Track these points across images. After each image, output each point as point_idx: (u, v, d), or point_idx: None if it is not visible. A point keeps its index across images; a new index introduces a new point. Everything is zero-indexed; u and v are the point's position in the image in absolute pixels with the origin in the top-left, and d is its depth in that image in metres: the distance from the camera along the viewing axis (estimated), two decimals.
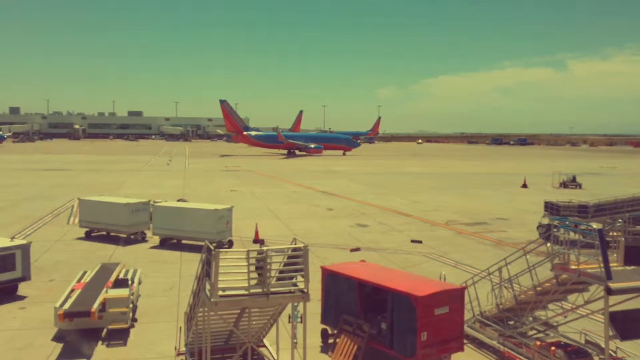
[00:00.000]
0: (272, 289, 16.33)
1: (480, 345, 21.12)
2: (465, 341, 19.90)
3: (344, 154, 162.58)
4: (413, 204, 59.23)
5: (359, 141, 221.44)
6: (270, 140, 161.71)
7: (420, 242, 39.84)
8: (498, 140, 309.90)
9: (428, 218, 50.62)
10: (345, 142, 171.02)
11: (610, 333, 17.15)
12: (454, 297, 18.81)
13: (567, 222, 19.86)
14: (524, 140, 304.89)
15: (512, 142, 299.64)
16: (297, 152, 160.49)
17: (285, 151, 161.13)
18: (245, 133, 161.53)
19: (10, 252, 26.20)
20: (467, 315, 20.87)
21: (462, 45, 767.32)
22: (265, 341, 20.12)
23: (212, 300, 15.76)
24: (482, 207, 57.66)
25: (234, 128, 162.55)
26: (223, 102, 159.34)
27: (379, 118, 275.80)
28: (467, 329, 21.09)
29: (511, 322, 20.72)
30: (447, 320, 18.38)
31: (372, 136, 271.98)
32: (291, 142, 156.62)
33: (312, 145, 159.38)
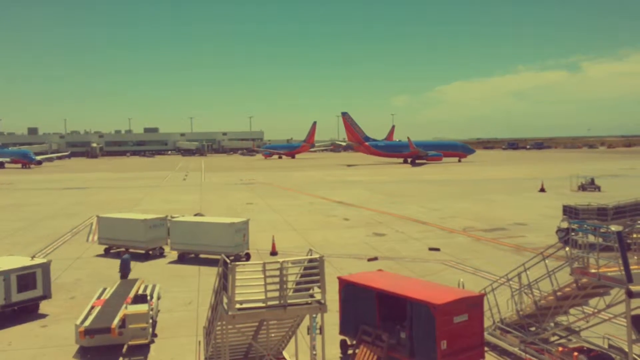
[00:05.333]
0: (289, 301, 16.34)
1: (501, 352, 20.89)
2: (486, 349, 19.71)
3: (459, 161, 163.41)
4: (430, 212, 58.94)
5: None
6: (389, 150, 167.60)
7: (438, 249, 39.60)
8: (514, 144, 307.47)
9: (446, 225, 50.33)
10: (461, 149, 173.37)
11: (633, 337, 16.90)
12: (473, 304, 18.67)
13: (586, 226, 19.65)
14: (540, 144, 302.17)
15: (528, 147, 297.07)
16: (408, 160, 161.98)
17: (399, 160, 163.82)
18: (366, 143, 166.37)
19: (31, 271, 26.55)
20: (487, 323, 20.69)
21: (475, 51, 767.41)
22: (285, 353, 20.08)
23: (229, 313, 15.80)
24: (500, 213, 57.20)
25: (355, 139, 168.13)
26: (344, 114, 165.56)
27: (393, 126, 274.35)
28: (487, 337, 20.89)
29: (532, 329, 20.48)
30: (466, 328, 18.23)
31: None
32: (415, 151, 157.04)
33: (432, 153, 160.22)
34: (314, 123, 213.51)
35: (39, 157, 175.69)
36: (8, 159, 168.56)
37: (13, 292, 25.72)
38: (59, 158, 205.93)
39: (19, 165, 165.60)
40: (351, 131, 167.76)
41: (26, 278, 26.30)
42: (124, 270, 32.04)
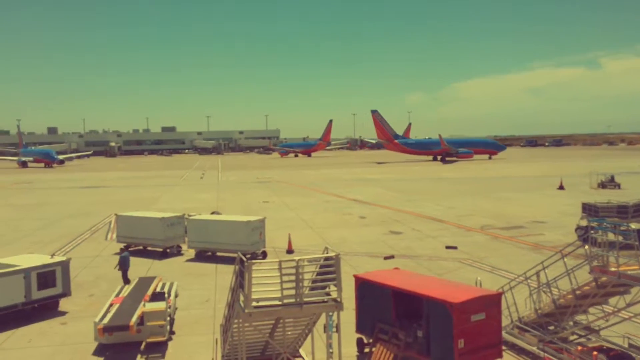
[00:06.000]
0: (306, 299, 16.36)
1: (519, 351, 20.71)
2: (504, 347, 19.56)
3: (489, 158, 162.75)
4: (447, 210, 58.62)
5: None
6: (419, 147, 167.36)
7: (455, 248, 39.37)
8: (532, 142, 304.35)
9: (463, 223, 50.03)
10: (492, 146, 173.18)
11: None
12: (491, 303, 18.51)
13: (606, 224, 19.40)
14: (559, 141, 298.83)
15: (547, 144, 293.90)
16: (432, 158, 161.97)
17: (429, 157, 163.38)
18: (396, 141, 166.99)
19: (51, 269, 26.91)
20: (505, 321, 20.52)
21: (490, 48, 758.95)
22: (301, 351, 20.12)
23: (246, 311, 15.87)
24: (518, 211, 56.70)
25: (385, 136, 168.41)
26: (374, 112, 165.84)
27: (410, 124, 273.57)
28: (505, 335, 20.71)
29: (551, 327, 20.28)
30: (484, 327, 18.09)
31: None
32: (446, 148, 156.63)
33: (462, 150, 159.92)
34: (330, 121, 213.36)
35: (61, 157, 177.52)
36: (31, 159, 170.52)
37: (33, 290, 26.08)
38: (79, 157, 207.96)
39: (42, 165, 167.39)
40: (381, 129, 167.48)
41: (46, 276, 26.65)
42: (123, 267, 32.14)
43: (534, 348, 20.15)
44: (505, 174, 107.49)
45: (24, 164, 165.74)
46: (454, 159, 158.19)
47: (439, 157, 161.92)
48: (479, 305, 18.05)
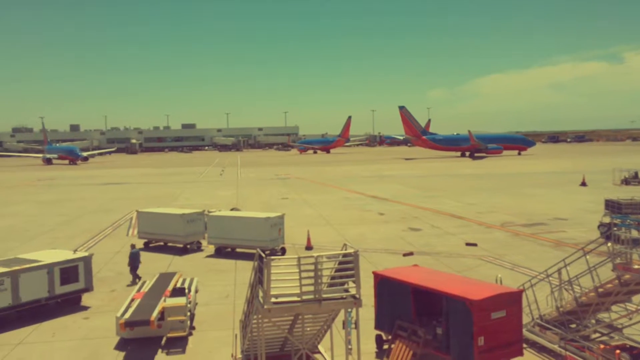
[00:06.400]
0: (324, 295, 16.38)
1: (540, 349, 20.51)
2: (524, 345, 19.37)
3: (519, 154, 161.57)
4: (467, 206, 58.20)
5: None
6: (448, 143, 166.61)
7: (475, 245, 39.08)
8: (555, 138, 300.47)
9: (483, 220, 49.63)
10: (521, 141, 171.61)
11: None
12: (511, 300, 18.35)
13: (629, 220, 19.11)
14: (581, 137, 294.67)
15: (569, 140, 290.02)
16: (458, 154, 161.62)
17: (457, 153, 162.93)
18: (424, 137, 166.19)
19: (74, 265, 27.31)
20: (526, 319, 20.33)
21: (512, 43, 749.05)
22: (320, 347, 20.15)
23: (265, 307, 15.94)
24: (540, 208, 56.06)
25: (412, 133, 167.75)
26: (402, 108, 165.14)
27: (429, 120, 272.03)
28: (526, 333, 20.53)
29: (573, 325, 20.05)
30: (504, 325, 17.93)
31: None
32: (476, 144, 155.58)
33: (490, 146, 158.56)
34: (349, 118, 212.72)
35: (85, 154, 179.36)
36: (55, 156, 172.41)
37: (56, 285, 26.51)
38: (101, 154, 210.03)
39: (67, 162, 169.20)
40: (409, 125, 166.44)
41: (69, 271, 27.05)
42: (134, 264, 32.18)
43: (556, 346, 19.94)
44: (527, 170, 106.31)
45: (48, 161, 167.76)
46: (483, 154, 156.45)
47: (467, 153, 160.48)
48: (499, 302, 17.90)
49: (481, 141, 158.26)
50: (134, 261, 32.31)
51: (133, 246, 33.49)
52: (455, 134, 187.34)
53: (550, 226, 45.96)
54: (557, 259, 23.95)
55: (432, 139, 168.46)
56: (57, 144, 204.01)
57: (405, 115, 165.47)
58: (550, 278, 21.50)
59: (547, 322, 20.85)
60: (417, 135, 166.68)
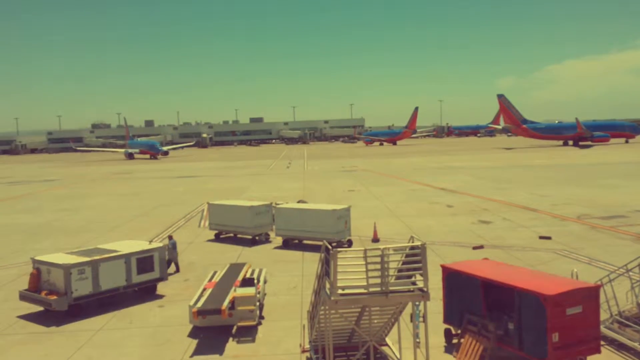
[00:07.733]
0: (391, 288, 16.29)
1: (619, 347, 19.57)
2: (602, 343, 18.56)
3: (626, 142, 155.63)
4: (540, 198, 56.17)
5: (478, 135, 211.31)
6: (550, 132, 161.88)
7: (549, 238, 37.68)
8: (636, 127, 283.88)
9: (557, 212, 47.77)
10: (629, 128, 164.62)
11: None
12: (588, 296, 17.58)
13: None
14: None
15: None
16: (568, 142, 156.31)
17: (559, 142, 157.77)
18: (524, 126, 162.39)
19: (149, 255, 28.41)
20: (604, 316, 19.45)
21: (587, 27, 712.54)
22: (388, 340, 20.09)
23: (332, 298, 16.03)
24: (619, 199, 53.34)
25: (512, 121, 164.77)
26: (500, 97, 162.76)
27: (499, 110, 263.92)
28: (604, 330, 19.64)
29: None
30: (580, 321, 17.24)
31: (493, 129, 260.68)
32: (582, 132, 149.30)
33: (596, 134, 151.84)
34: (416, 108, 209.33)
35: (165, 148, 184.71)
36: (137, 150, 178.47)
37: (133, 274, 27.67)
38: (176, 149, 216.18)
39: (147, 156, 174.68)
40: (508, 114, 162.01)
41: (145, 261, 28.17)
42: (171, 255, 32.26)
43: (636, 344, 18.98)
44: (604, 160, 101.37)
45: (130, 156, 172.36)
46: (589, 143, 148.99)
47: (570, 142, 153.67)
48: (575, 298, 17.21)
49: (587, 129, 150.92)
50: (171, 253, 32.27)
51: (170, 237, 34.12)
52: (557, 121, 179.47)
53: (631, 219, 43.65)
54: (637, 253, 22.76)
55: (533, 127, 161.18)
56: (138, 139, 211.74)
57: (504, 103, 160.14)
58: (631, 273, 20.48)
59: (627, 319, 19.88)
60: (517, 123, 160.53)
